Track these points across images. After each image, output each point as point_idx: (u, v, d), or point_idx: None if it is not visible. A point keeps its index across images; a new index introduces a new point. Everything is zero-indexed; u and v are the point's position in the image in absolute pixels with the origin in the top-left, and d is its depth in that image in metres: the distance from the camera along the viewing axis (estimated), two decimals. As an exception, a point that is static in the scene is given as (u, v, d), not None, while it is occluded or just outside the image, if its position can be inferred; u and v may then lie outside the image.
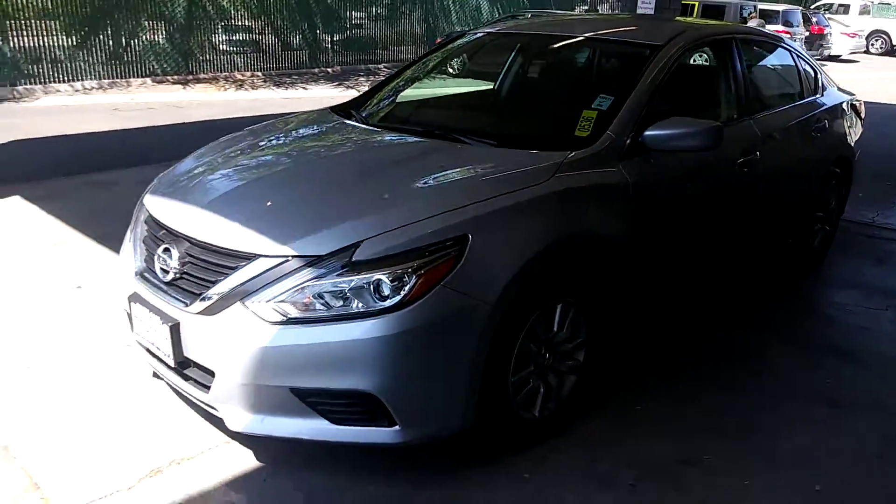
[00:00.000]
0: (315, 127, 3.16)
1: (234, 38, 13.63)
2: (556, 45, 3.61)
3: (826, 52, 20.34)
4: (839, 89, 4.48)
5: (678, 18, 4.80)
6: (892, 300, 3.91)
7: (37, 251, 4.11)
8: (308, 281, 2.06)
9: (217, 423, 2.43)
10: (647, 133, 2.70)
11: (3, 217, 4.68)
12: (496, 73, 3.70)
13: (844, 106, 4.34)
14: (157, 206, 2.55)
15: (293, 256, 2.10)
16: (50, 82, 10.91)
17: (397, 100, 3.43)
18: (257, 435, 2.19)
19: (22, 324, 3.24)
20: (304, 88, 12.41)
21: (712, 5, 17.45)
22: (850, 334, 3.50)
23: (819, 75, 4.22)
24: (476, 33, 3.82)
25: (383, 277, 2.05)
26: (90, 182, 5.53)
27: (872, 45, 23.90)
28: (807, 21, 19.43)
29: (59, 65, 11.16)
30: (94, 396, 2.69)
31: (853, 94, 4.58)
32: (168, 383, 2.47)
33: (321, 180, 2.52)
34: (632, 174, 2.66)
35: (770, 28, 16.95)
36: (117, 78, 11.74)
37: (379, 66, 15.68)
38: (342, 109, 3.38)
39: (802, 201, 3.94)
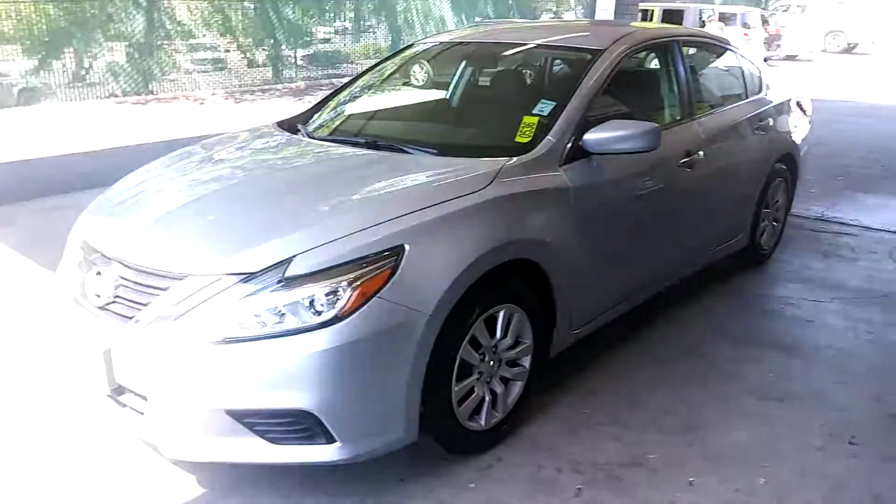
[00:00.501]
0: (258, 143, 3.14)
1: (196, 56, 13.58)
2: (502, 53, 3.64)
3: (784, 53, 20.75)
4: (784, 87, 4.55)
5: (631, 24, 4.88)
6: (836, 293, 3.99)
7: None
8: (241, 298, 2.05)
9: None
10: (587, 137, 2.73)
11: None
12: (445, 83, 3.71)
13: (789, 103, 4.42)
14: (89, 229, 2.53)
15: (225, 274, 2.08)
16: (8, 106, 10.76)
17: (343, 112, 3.44)
18: (194, 460, 2.17)
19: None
20: (265, 104, 12.36)
21: (672, 10, 17.73)
22: (794, 328, 3.56)
23: (762, 74, 4.30)
24: (425, 43, 3.85)
25: (317, 292, 2.04)
26: (40, 208, 5.45)
27: (829, 43, 24.42)
28: (765, 22, 19.79)
29: (15, 88, 11.02)
30: (32, 431, 2.64)
31: (798, 92, 4.66)
32: (104, 412, 2.43)
33: (256, 196, 2.50)
34: (573, 178, 2.69)
35: (729, 30, 17.29)
36: (77, 100, 11.61)
37: (343, 79, 15.68)
38: (288, 124, 3.38)
39: (748, 198, 4.00)
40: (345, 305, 2.03)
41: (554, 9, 22.92)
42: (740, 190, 3.91)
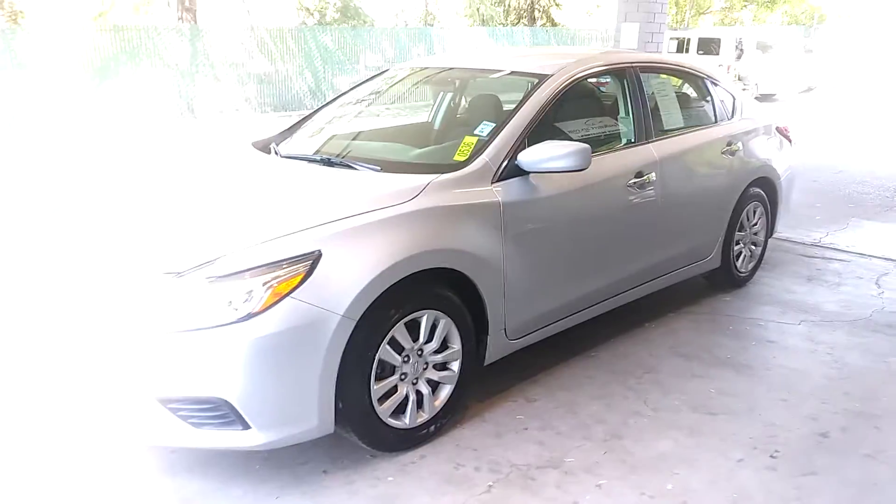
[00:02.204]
0: (228, 160, 3.40)
1: (236, 81, 14.19)
2: (464, 79, 3.83)
3: (827, 80, 20.43)
4: (764, 114, 4.61)
5: (599, 50, 5.02)
6: (807, 315, 4.00)
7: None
8: (169, 295, 2.26)
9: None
10: (520, 156, 2.89)
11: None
12: (414, 106, 3.92)
13: (766, 129, 4.47)
14: (63, 233, 2.80)
15: (159, 273, 2.30)
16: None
17: (310, 133, 3.66)
18: (131, 443, 2.38)
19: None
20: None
21: (708, 39, 17.70)
22: (753, 348, 3.60)
23: (736, 100, 4.37)
24: (398, 68, 4.06)
25: (236, 290, 2.24)
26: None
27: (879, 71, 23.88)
28: (808, 52, 19.56)
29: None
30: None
31: (778, 118, 4.70)
32: (61, 396, 2.66)
33: (203, 206, 2.74)
34: (504, 194, 2.84)
35: (766, 57, 17.15)
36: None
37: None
38: (263, 143, 3.62)
39: (715, 220, 4.05)
40: (258, 304, 2.22)
41: (595, 38, 23.13)
42: (705, 211, 3.97)
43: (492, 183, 2.84)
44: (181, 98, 13.12)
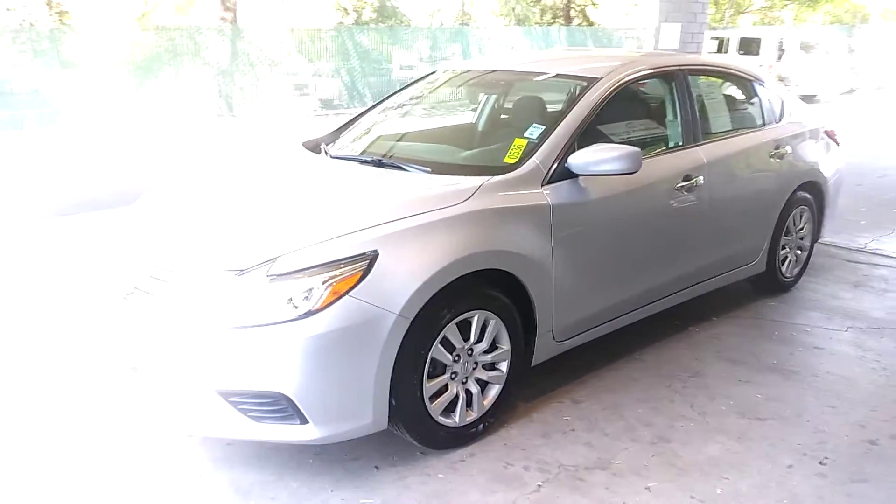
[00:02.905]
0: (280, 161, 3.47)
1: (278, 81, 14.39)
2: (509, 81, 3.86)
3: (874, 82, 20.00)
4: (812, 117, 4.56)
5: (637, 52, 5.03)
6: (854, 321, 3.95)
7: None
8: (232, 291, 2.34)
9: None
10: (571, 159, 2.91)
11: (31, 243, 5.15)
12: (456, 108, 3.96)
13: (813, 133, 4.42)
14: (120, 233, 2.91)
15: (221, 270, 2.38)
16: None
17: (362, 133, 3.72)
18: (190, 433, 2.46)
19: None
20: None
21: (749, 39, 17.44)
22: (800, 353, 3.57)
23: (785, 103, 4.33)
24: (443, 71, 4.11)
25: (296, 288, 2.30)
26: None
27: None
28: (851, 52, 19.16)
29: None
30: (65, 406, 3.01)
31: (826, 122, 4.65)
32: (121, 388, 2.75)
33: (260, 206, 2.82)
34: (554, 196, 2.87)
35: (809, 57, 16.86)
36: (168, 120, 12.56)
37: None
38: (313, 143, 3.69)
39: (761, 224, 4.03)
40: (318, 301, 2.28)
41: (637, 37, 22.96)
42: (752, 215, 3.95)
43: (542, 185, 2.87)
44: (221, 97, 13.34)
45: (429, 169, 2.99)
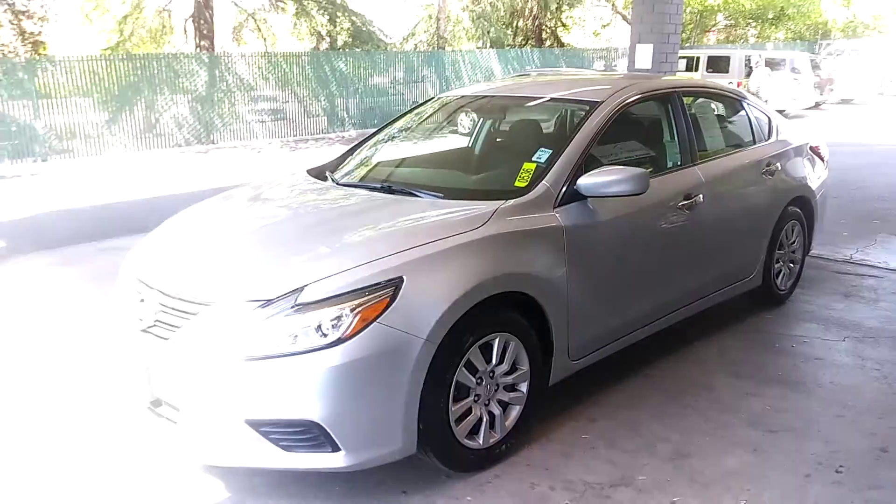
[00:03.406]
0: (287, 189, 3.49)
1: (253, 107, 14.37)
2: (511, 106, 3.94)
3: (838, 97, 20.56)
4: (798, 133, 4.70)
5: (655, 76, 5.14)
6: (850, 331, 4.06)
7: (50, 313, 4.46)
8: (259, 322, 2.35)
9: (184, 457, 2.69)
10: (580, 182, 2.98)
11: (21, 283, 5.07)
12: (458, 134, 4.02)
13: (801, 149, 4.56)
14: (135, 263, 2.90)
15: (246, 301, 2.39)
16: (76, 156, 11.61)
17: (365, 161, 3.76)
18: (218, 465, 2.45)
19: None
20: (319, 152, 12.95)
21: (718, 57, 17.86)
22: (801, 365, 3.66)
23: (772, 121, 4.47)
24: (442, 97, 4.18)
25: (324, 316, 2.32)
26: (103, 248, 5.94)
27: (886, 87, 24.03)
28: (815, 67, 19.68)
29: (90, 140, 11.90)
30: (85, 440, 2.97)
31: (812, 138, 4.80)
32: (143, 421, 2.73)
33: (279, 234, 2.84)
34: (566, 219, 2.93)
35: (776, 76, 17.31)
36: (143, 149, 12.44)
37: (392, 128, 16.26)
38: (318, 171, 3.72)
39: (757, 239, 4.14)
40: (347, 329, 2.30)
41: (606, 58, 23.34)
42: (747, 231, 4.06)
43: (553, 208, 2.93)
44: (200, 124, 13.29)
45: (441, 194, 3.04)
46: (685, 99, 3.83)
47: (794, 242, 4.53)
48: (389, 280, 2.41)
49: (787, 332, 4.14)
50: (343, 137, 15.03)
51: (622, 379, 3.46)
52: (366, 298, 2.36)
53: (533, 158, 3.13)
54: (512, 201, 2.85)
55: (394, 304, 2.37)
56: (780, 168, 4.27)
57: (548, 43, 24.35)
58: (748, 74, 17.21)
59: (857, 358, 3.73)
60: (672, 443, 2.92)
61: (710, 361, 3.71)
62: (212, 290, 2.48)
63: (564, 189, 2.99)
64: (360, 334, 2.31)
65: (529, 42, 24.12)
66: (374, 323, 2.33)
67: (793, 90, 17.95)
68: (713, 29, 33.43)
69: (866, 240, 6.08)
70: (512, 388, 2.80)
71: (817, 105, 19.38)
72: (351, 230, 2.75)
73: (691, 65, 17.97)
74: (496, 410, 2.74)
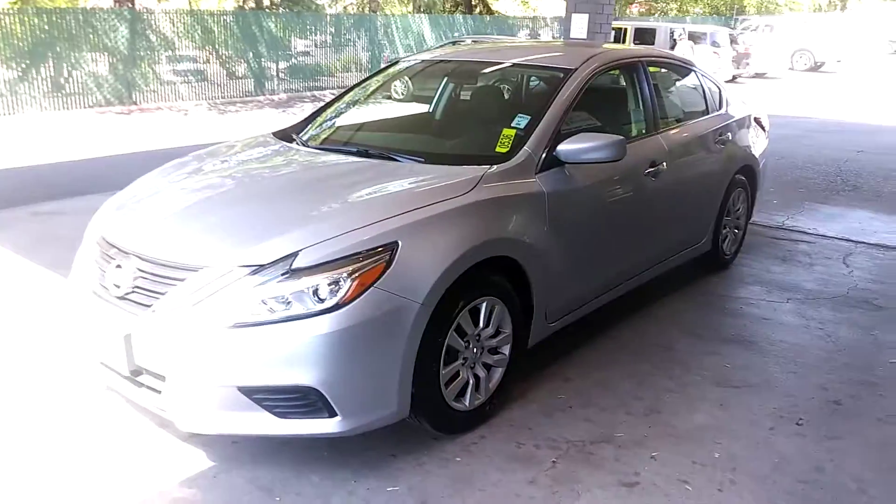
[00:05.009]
0: (257, 150, 3.39)
1: (178, 67, 13.75)
2: (483, 71, 3.92)
3: (752, 70, 21.42)
4: (743, 104, 4.89)
5: (602, 45, 5.23)
6: (791, 293, 4.31)
7: (-14, 279, 4.20)
8: (251, 288, 2.29)
9: (169, 428, 2.62)
10: (560, 148, 3.01)
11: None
12: (428, 98, 3.98)
13: (747, 119, 4.75)
14: (106, 226, 2.75)
15: (238, 266, 2.32)
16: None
17: (335, 123, 3.69)
18: (207, 433, 2.39)
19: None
20: (249, 115, 12.55)
21: (644, 29, 18.26)
22: (751, 325, 3.87)
23: (722, 92, 4.63)
24: (410, 60, 4.12)
25: (321, 282, 2.28)
26: (34, 213, 5.61)
27: (797, 61, 25.22)
28: (733, 41, 20.40)
29: (1, 98, 11.12)
30: (51, 414, 2.84)
31: (755, 109, 5.00)
32: (120, 394, 2.64)
33: (263, 197, 2.75)
34: (547, 184, 2.97)
35: (699, 49, 17.85)
36: (60, 109, 11.72)
37: (324, 92, 15.94)
38: (283, 134, 3.62)
39: (709, 206, 4.31)
40: (345, 294, 2.28)
41: (530, 27, 23.45)
42: (702, 198, 4.22)
43: (535, 174, 2.96)
44: (121, 84, 12.61)
45: (421, 159, 3.02)
46: (649, 68, 3.91)
47: (738, 209, 4.74)
48: (385, 244, 2.39)
49: (734, 294, 4.35)
50: (273, 101, 14.62)
51: (589, 339, 3.57)
52: (363, 263, 2.33)
53: (512, 124, 3.15)
54: (497, 167, 2.86)
55: (390, 269, 2.36)
56: (730, 138, 4.44)
57: (477, 10, 24.26)
58: (672, 47, 17.68)
59: (801, 318, 3.97)
60: (644, 400, 3.04)
61: (668, 322, 3.87)
62: (200, 254, 2.40)
63: (544, 155, 3.02)
64: (359, 299, 2.29)
65: (460, 9, 23.97)
66: (372, 288, 2.31)
67: (713, 63, 18.56)
68: (635, 2, 34.10)
69: (794, 208, 6.42)
70: (495, 350, 2.84)
71: (734, 78, 20.13)
72: (339, 194, 2.70)
73: (618, 36, 18.31)
74: (481, 373, 2.78)
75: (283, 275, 2.30)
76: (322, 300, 2.28)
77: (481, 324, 2.72)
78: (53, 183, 6.86)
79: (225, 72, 14.53)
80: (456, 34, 18.96)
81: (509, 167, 2.90)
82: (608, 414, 2.93)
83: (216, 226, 2.55)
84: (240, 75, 14.82)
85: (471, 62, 4.02)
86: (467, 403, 2.72)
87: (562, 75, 3.37)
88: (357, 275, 2.31)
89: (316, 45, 16.65)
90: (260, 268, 2.31)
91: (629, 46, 5.57)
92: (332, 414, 2.32)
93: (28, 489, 2.39)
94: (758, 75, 22.04)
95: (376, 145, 3.27)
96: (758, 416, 2.95)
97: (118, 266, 2.52)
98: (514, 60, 3.72)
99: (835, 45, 25.23)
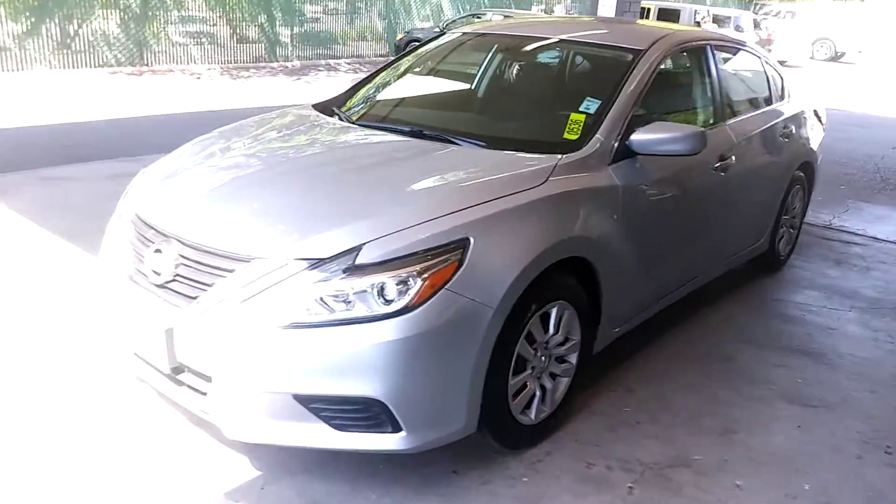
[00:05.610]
0: (300, 124, 3.10)
1: (190, 29, 13.34)
2: (537, 47, 3.61)
3: (774, 58, 20.95)
4: (803, 95, 4.60)
5: (641, 22, 4.95)
6: (853, 301, 4.06)
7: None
8: (310, 284, 2.03)
9: (209, 429, 2.38)
10: (634, 137, 2.73)
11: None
12: (481, 74, 3.68)
13: (808, 112, 4.47)
14: (142, 204, 2.48)
15: (294, 259, 2.06)
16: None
17: (380, 98, 3.41)
18: (257, 442, 2.15)
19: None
20: (261, 82, 12.18)
21: (669, 10, 17.81)
22: (816, 334, 3.62)
23: (784, 81, 4.34)
24: (455, 33, 3.81)
25: (388, 281, 2.03)
26: (43, 178, 5.32)
27: (817, 50, 24.74)
28: (756, 26, 19.95)
29: (6, 53, 10.74)
30: (78, 408, 2.60)
31: (816, 101, 4.72)
32: (156, 389, 2.39)
33: (316, 180, 2.48)
34: (620, 177, 2.70)
35: (722, 32, 17.43)
36: (69, 67, 11.35)
37: (339, 61, 15.54)
38: (324, 107, 3.34)
39: (771, 203, 4.05)
40: (415, 296, 2.02)
41: (543, 2, 22.91)
42: (766, 195, 3.96)
43: (608, 165, 2.69)
44: (133, 44, 12.20)
45: (483, 143, 2.74)
46: (717, 52, 3.62)
47: (795, 208, 4.48)
48: (457, 241, 2.12)
49: (791, 298, 4.10)
50: (286, 68, 14.22)
51: (644, 347, 3.32)
52: (434, 262, 2.07)
53: (580, 108, 2.87)
54: (569, 157, 2.59)
55: (462, 269, 2.10)
56: (793, 131, 4.16)
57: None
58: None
59: (868, 329, 3.72)
60: (715, 417, 2.80)
61: (724, 328, 3.62)
62: (251, 243, 2.13)
63: (616, 144, 2.74)
64: (429, 302, 2.03)
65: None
66: (443, 290, 2.05)
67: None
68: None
69: (839, 206, 6.15)
70: (562, 359, 2.59)
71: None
72: (401, 180, 2.43)
73: (642, 15, 17.86)
74: (548, 383, 2.53)
75: (344, 271, 2.04)
76: (388, 301, 2.02)
77: (551, 330, 2.47)
78: (65, 145, 6.56)
79: (236, 35, 14.09)
80: (472, 7, 18.48)
81: (582, 157, 2.62)
82: (679, 432, 2.69)
83: (268, 211, 2.27)
84: (251, 40, 14.38)
85: (523, 37, 3.69)
86: (533, 416, 2.48)
87: (631, 56, 3.08)
88: (427, 274, 2.05)
89: (327, 13, 16.14)
90: (319, 262, 2.05)
91: (690, 27, 5.26)
92: (397, 429, 2.07)
93: (47, 495, 2.15)
94: (779, 62, 21.57)
95: (430, 125, 2.97)
96: (840, 440, 2.72)
97: (157, 251, 2.25)
98: (578, 38, 3.41)
99: (856, 34, 24.72)
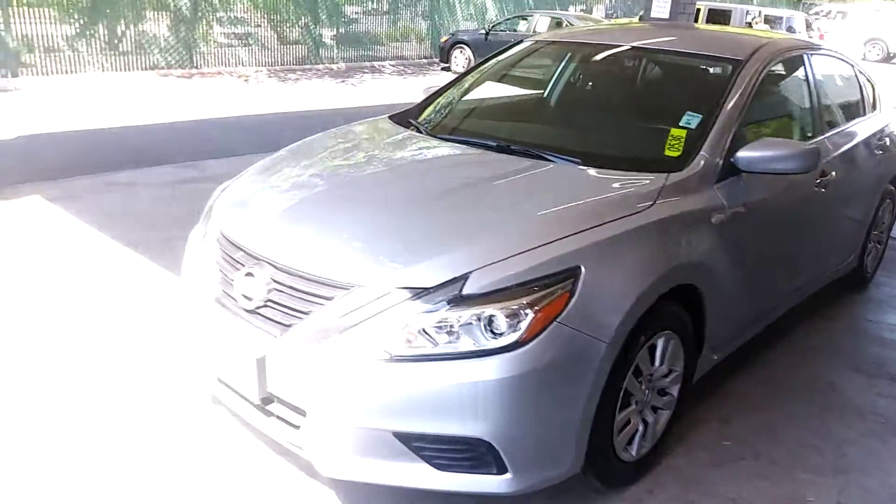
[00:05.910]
0: (383, 139, 2.99)
1: (237, 31, 13.36)
2: (625, 57, 3.45)
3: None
4: (891, 105, 4.37)
5: (728, 29, 4.70)
6: (953, 324, 3.82)
7: (68, 258, 3.90)
8: (413, 315, 1.91)
9: (291, 458, 2.28)
10: (740, 154, 2.57)
11: (26, 219, 4.46)
12: (566, 84, 3.53)
13: (898, 122, 4.23)
14: (230, 224, 2.37)
15: (397, 288, 1.94)
16: (48, 74, 10.60)
17: (459, 110, 3.28)
18: (352, 480, 2.04)
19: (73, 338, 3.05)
20: (310, 85, 12.16)
21: (719, 10, 17.40)
22: (922, 362, 3.40)
23: (876, 90, 4.11)
24: (532, 41, 3.67)
25: (497, 313, 1.90)
26: (109, 183, 5.30)
27: (869, 51, 24.00)
28: (809, 27, 19.41)
29: (57, 55, 10.85)
30: (150, 428, 2.52)
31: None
32: (240, 417, 2.29)
33: (411, 201, 2.34)
34: (727, 197, 2.53)
35: (773, 32, 16.98)
36: (120, 70, 11.45)
37: (384, 63, 15.47)
38: (401, 119, 3.22)
39: (864, 219, 3.85)
40: (526, 330, 1.89)
41: (584, 4, 22.61)
42: (860, 210, 3.75)
43: (714, 185, 2.53)
44: (183, 47, 12.27)
45: (578, 160, 2.59)
46: (815, 62, 3.43)
47: (884, 223, 4.24)
48: (568, 269, 1.98)
49: (884, 320, 3.88)
50: (331, 70, 14.19)
51: (737, 374, 3.13)
52: (544, 292, 1.93)
53: (681, 123, 2.70)
54: (675, 176, 2.43)
55: (574, 301, 1.96)
56: (887, 143, 3.93)
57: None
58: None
59: (975, 357, 3.48)
60: (823, 454, 2.62)
61: (822, 352, 3.42)
62: (350, 270, 2.01)
63: (721, 162, 2.58)
64: (540, 336, 1.89)
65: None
66: (555, 323, 1.92)
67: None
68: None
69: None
70: (664, 391, 2.44)
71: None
72: (500, 201, 2.30)
73: (692, 17, 17.49)
74: (650, 417, 2.38)
75: (450, 302, 1.92)
76: (497, 335, 1.89)
77: (657, 362, 2.31)
78: (126, 149, 6.57)
79: (277, 37, 14.06)
80: (512, 6, 18.27)
81: (688, 176, 2.46)
82: (787, 469, 2.52)
83: (366, 235, 2.15)
84: (291, 41, 14.30)
85: (617, 47, 3.52)
86: (634, 453, 2.33)
87: (731, 67, 2.90)
88: (539, 306, 1.91)
89: (367, 13, 15.97)
90: (424, 291, 1.93)
91: (785, 35, 5.05)
92: (502, 470, 1.94)
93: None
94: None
95: (518, 140, 2.83)
96: (968, 485, 2.52)
97: (249, 274, 2.15)
98: (672, 47, 3.25)
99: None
